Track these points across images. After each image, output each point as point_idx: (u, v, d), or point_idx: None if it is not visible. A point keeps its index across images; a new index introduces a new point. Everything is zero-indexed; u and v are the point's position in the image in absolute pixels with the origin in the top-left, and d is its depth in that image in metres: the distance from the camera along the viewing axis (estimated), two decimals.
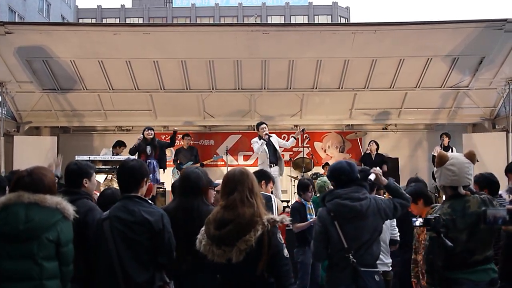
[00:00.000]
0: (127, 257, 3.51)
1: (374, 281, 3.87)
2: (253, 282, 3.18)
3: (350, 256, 3.84)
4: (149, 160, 10.28)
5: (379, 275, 3.96)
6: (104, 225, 3.58)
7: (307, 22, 51.63)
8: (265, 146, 10.07)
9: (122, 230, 3.54)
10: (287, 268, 3.25)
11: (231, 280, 3.22)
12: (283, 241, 3.27)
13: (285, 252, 3.25)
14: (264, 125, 10.25)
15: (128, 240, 3.54)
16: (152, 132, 10.57)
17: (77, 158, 9.77)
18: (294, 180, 12.25)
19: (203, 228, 3.34)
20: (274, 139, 10.31)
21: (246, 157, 13.48)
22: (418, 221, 3.74)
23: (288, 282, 3.24)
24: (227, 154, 12.46)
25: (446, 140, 11.60)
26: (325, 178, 8.39)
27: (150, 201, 3.88)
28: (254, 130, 13.12)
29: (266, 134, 10.10)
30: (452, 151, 10.73)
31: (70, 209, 3.52)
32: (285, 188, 12.38)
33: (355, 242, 3.90)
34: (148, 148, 10.43)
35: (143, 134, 10.49)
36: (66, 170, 4.18)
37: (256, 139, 10.30)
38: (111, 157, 10.73)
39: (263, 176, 5.79)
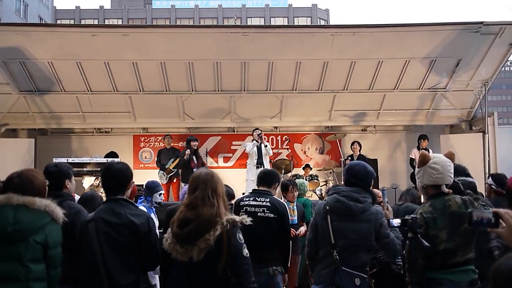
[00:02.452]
0: (112, 259, 3.51)
1: (353, 284, 3.86)
2: (214, 280, 3.23)
3: (335, 253, 3.88)
4: (195, 169, 10.55)
5: (361, 279, 3.92)
6: (89, 227, 3.58)
7: (286, 24, 51.86)
8: (256, 148, 10.98)
9: (108, 232, 3.54)
10: (246, 268, 3.31)
11: (193, 278, 3.27)
12: (243, 241, 3.32)
13: (245, 251, 3.32)
14: (259, 131, 11.21)
15: (114, 242, 3.54)
16: (197, 143, 11.51)
17: (55, 160, 9.69)
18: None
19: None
20: (268, 147, 11.22)
21: (226, 159, 13.47)
22: (396, 222, 3.78)
23: (247, 281, 3.30)
24: (206, 156, 12.45)
25: (424, 143, 11.68)
26: (302, 180, 8.44)
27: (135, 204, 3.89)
28: (234, 132, 13.29)
29: (259, 136, 11.09)
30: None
31: (59, 212, 3.49)
32: None
33: (342, 241, 3.92)
34: (194, 158, 11.21)
35: (189, 144, 11.29)
36: (46, 172, 4.15)
37: (250, 141, 11.32)
38: (89, 160, 10.63)
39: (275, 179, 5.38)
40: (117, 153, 11.43)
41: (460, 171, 4.86)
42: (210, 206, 3.27)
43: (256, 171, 10.46)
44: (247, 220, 3.35)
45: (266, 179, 5.26)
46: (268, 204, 4.93)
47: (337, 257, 3.88)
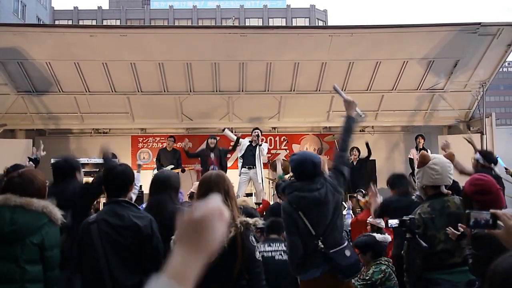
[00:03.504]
0: (115, 261, 3.50)
1: (345, 257, 3.91)
2: (223, 282, 3.19)
3: (319, 243, 3.91)
4: (212, 166, 10.79)
5: (349, 248, 4.01)
6: (91, 229, 3.56)
7: (285, 24, 51.84)
8: (247, 149, 10.84)
9: (110, 234, 3.53)
10: (258, 270, 3.30)
11: (203, 280, 3.22)
12: (255, 244, 3.31)
13: (257, 254, 3.30)
14: (256, 131, 10.92)
15: (116, 244, 3.52)
16: (215, 140, 11.50)
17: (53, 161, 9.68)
18: (272, 183, 12.24)
19: None
20: (263, 147, 11.02)
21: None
22: (394, 222, 3.78)
23: (259, 284, 3.28)
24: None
25: (421, 142, 11.71)
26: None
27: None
28: (232, 132, 13.19)
29: (255, 139, 10.80)
30: None
31: (57, 213, 3.48)
32: (264, 190, 12.38)
33: (321, 227, 3.95)
34: (212, 155, 11.25)
35: (207, 142, 11.50)
36: (55, 166, 4.20)
37: (247, 141, 11.11)
38: (87, 160, 10.62)
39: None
40: (116, 154, 11.40)
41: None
42: None
43: (243, 171, 10.78)
44: (260, 222, 3.35)
45: (275, 228, 5.38)
46: (284, 248, 5.02)
47: (322, 245, 3.90)
